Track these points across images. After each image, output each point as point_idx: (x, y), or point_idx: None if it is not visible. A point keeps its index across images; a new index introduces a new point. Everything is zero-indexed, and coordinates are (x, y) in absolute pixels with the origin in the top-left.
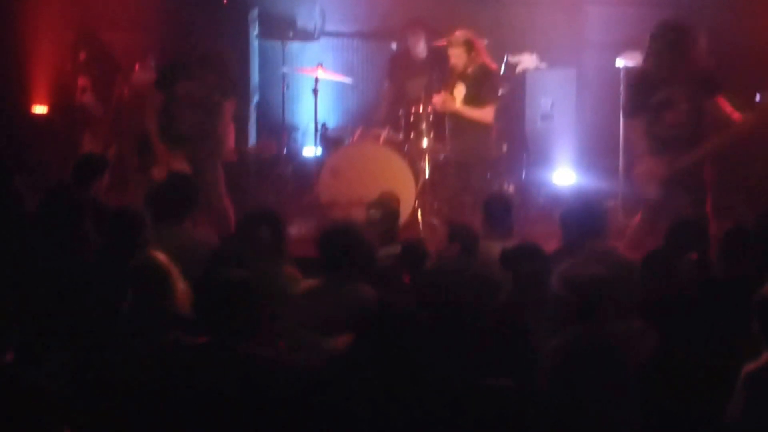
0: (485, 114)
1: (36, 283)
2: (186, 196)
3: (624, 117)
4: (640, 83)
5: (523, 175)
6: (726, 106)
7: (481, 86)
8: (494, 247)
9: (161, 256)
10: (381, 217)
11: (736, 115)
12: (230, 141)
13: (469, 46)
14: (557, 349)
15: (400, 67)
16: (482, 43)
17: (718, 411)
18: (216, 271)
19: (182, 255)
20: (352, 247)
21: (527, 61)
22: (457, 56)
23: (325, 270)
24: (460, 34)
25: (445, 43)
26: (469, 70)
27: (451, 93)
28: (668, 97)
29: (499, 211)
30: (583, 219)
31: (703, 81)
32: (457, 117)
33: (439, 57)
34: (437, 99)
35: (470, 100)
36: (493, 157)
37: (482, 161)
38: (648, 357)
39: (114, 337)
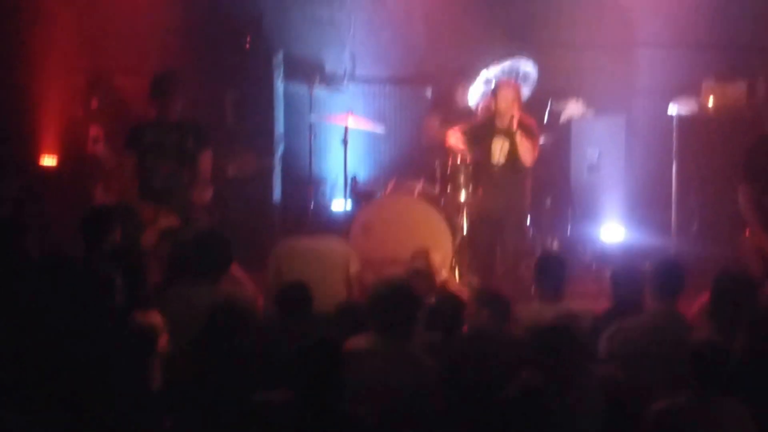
0: (532, 154)
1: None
2: (219, 253)
3: (740, 182)
4: (762, 149)
5: (569, 231)
6: None
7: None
8: (547, 310)
9: (155, 320)
10: (426, 267)
11: None
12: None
13: (517, 95)
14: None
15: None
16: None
17: None
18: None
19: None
20: (408, 306)
21: (573, 108)
22: (506, 102)
23: (379, 330)
24: (508, 82)
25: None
26: (511, 122)
27: (490, 145)
28: None
29: (553, 272)
30: (635, 277)
31: None
32: (495, 170)
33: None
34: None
35: (512, 155)
36: (528, 211)
37: (518, 216)
38: None
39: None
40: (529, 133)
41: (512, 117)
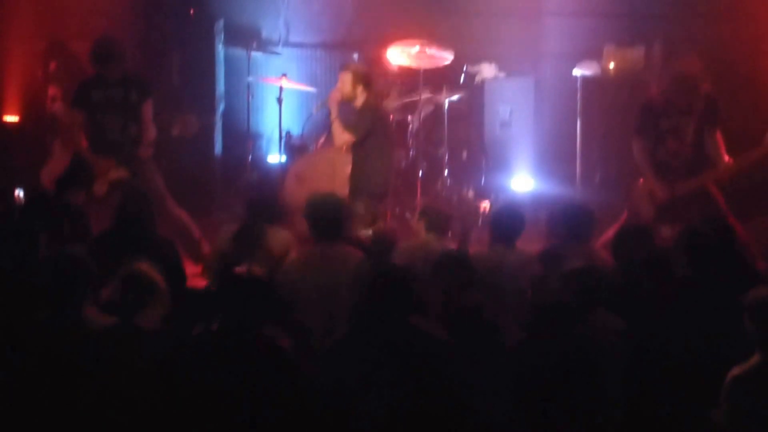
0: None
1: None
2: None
3: (633, 136)
4: (652, 106)
5: (483, 181)
6: (721, 142)
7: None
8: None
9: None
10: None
11: (726, 156)
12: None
13: (359, 78)
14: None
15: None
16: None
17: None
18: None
19: None
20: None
21: (486, 70)
22: (343, 84)
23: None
24: (347, 66)
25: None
26: (357, 103)
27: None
28: (675, 125)
29: (506, 221)
30: (571, 221)
31: (708, 114)
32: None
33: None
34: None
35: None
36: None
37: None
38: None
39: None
40: (360, 113)
41: (350, 97)
